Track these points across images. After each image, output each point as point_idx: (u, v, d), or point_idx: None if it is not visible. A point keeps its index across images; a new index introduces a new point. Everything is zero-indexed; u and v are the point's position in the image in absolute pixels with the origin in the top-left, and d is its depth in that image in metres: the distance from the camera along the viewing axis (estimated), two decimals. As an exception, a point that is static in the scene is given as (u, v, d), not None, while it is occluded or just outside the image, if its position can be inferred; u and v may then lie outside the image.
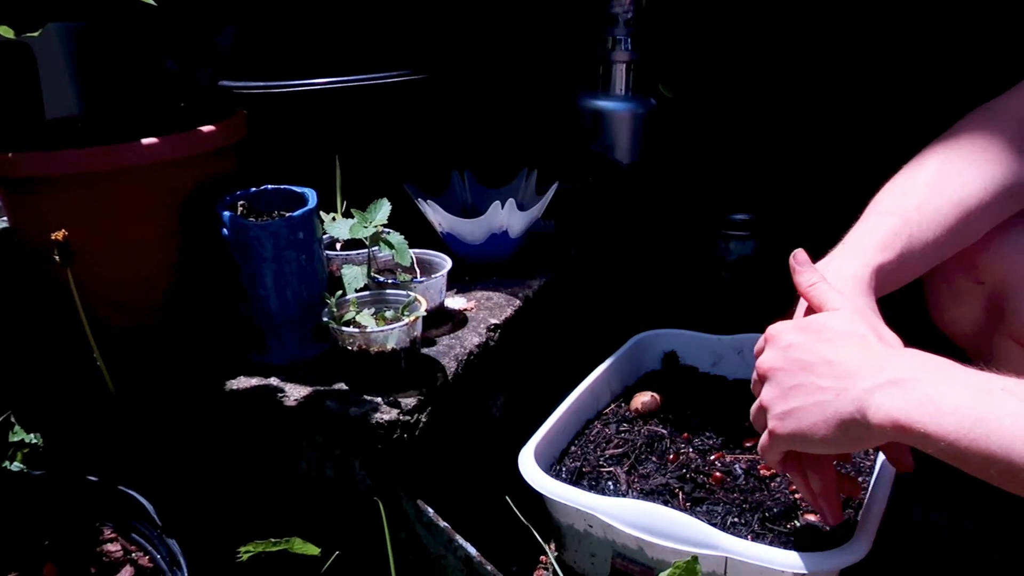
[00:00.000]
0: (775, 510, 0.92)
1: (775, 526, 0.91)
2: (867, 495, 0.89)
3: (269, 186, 0.99)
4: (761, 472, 0.99)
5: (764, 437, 0.74)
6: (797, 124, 1.50)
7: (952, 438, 0.58)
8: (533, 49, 1.48)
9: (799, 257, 0.79)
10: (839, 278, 0.77)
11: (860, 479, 0.97)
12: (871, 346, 0.68)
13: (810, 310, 0.77)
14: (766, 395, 0.73)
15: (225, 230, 0.93)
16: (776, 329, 0.75)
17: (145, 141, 0.90)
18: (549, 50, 1.51)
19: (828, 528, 0.89)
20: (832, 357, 0.68)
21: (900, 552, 0.99)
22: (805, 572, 0.79)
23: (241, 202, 0.96)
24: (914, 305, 0.90)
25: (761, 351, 0.76)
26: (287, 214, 0.94)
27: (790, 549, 0.84)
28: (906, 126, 0.92)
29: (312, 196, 0.96)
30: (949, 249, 0.81)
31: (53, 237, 0.80)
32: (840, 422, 0.66)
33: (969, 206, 0.78)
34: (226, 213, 0.93)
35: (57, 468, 0.90)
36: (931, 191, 0.79)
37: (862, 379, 0.65)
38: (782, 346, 0.72)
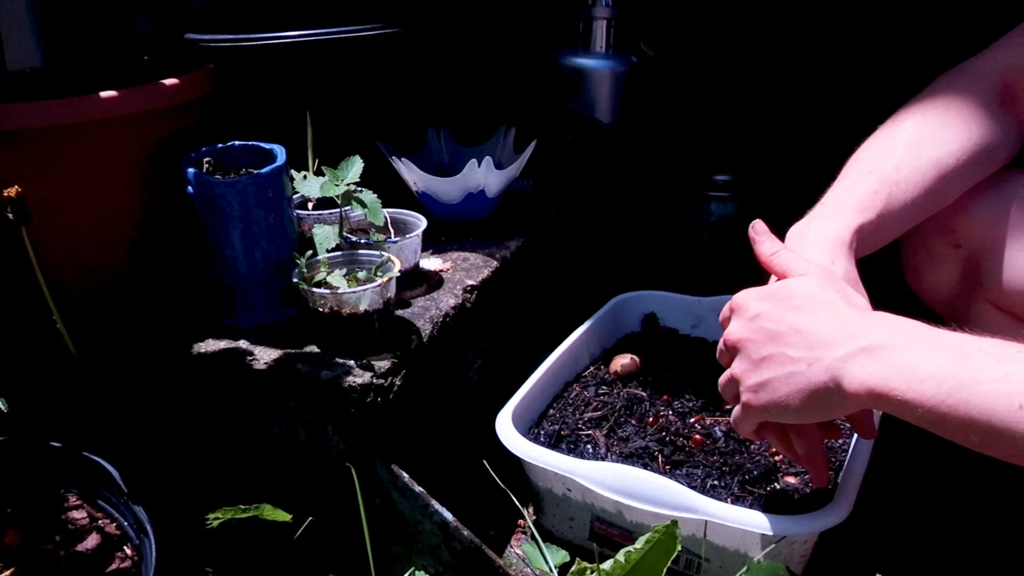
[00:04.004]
0: (755, 472, 0.91)
1: (755, 488, 0.90)
2: (848, 458, 0.89)
3: (236, 142, 0.95)
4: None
5: (737, 409, 0.73)
6: (779, 84, 1.48)
7: (930, 404, 0.57)
8: (512, 3, 1.44)
9: (758, 227, 0.78)
10: (820, 239, 0.76)
11: (840, 442, 0.96)
12: (841, 312, 0.67)
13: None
14: (737, 368, 0.71)
15: (190, 188, 0.89)
16: (742, 298, 0.73)
17: (104, 94, 0.86)
18: (528, 5, 1.47)
19: (810, 489, 0.89)
20: (801, 325, 0.66)
21: (879, 514, 0.99)
22: (785, 535, 0.78)
23: (207, 159, 0.93)
24: (888, 270, 0.89)
25: (727, 320, 0.74)
26: (255, 171, 0.90)
27: (770, 512, 0.84)
28: (885, 86, 0.91)
29: (281, 153, 0.93)
30: (927, 210, 0.80)
31: (6, 194, 0.76)
32: (814, 392, 0.65)
33: (947, 166, 0.78)
34: (191, 170, 0.89)
35: (20, 433, 0.87)
36: (909, 151, 0.78)
37: (835, 348, 0.63)
38: (749, 316, 0.71)
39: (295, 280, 0.88)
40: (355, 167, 0.92)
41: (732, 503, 0.87)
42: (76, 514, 0.81)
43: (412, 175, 1.14)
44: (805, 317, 0.67)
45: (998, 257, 0.80)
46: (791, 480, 0.91)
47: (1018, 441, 0.54)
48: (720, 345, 0.75)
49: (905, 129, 0.80)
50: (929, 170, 0.77)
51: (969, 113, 0.79)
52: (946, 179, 0.78)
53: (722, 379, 0.75)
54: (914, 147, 0.78)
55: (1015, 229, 0.80)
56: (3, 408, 0.94)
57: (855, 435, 0.92)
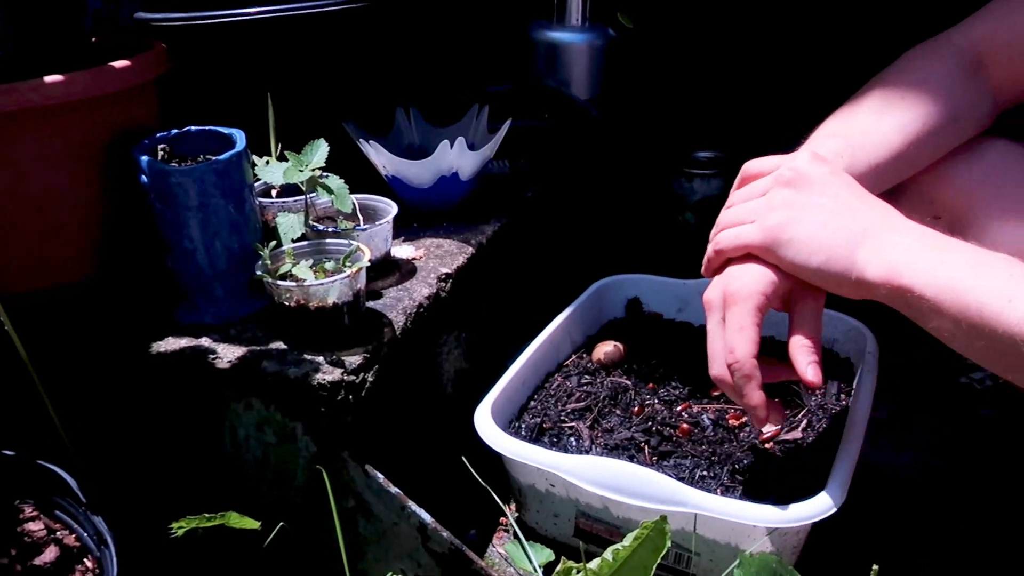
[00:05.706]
0: (745, 461, 0.88)
1: (745, 478, 0.87)
2: (841, 441, 0.86)
3: (192, 127, 0.90)
4: (730, 422, 0.95)
5: (743, 230, 0.73)
6: (765, 54, 1.44)
7: (939, 298, 0.62)
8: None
9: None
10: None
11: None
12: (890, 210, 0.70)
13: None
14: (781, 196, 0.71)
15: (144, 177, 0.84)
16: (818, 159, 0.74)
17: (48, 79, 0.81)
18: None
19: (803, 474, 0.86)
20: (858, 204, 0.70)
21: (875, 499, 0.97)
22: (777, 527, 0.75)
23: (162, 145, 0.88)
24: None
25: (773, 166, 0.75)
26: (213, 158, 0.86)
27: (761, 502, 0.81)
28: (874, 58, 0.89)
29: (240, 137, 0.88)
30: (894, 175, 0.80)
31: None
32: (850, 255, 0.67)
33: (912, 131, 0.78)
34: (144, 158, 0.84)
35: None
36: (874, 116, 0.79)
37: (884, 231, 0.67)
38: (824, 171, 0.72)
39: (258, 273, 0.83)
40: (320, 151, 0.88)
41: (722, 494, 0.84)
42: (32, 526, 0.77)
43: (381, 158, 1.09)
44: (863, 199, 0.71)
45: (979, 221, 0.80)
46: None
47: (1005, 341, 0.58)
48: (768, 179, 0.74)
49: (871, 97, 0.81)
50: (895, 135, 0.78)
51: (936, 80, 0.80)
52: (912, 144, 0.78)
53: (741, 208, 0.75)
54: (878, 112, 0.79)
55: (991, 199, 0.80)
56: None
57: (847, 417, 0.89)
